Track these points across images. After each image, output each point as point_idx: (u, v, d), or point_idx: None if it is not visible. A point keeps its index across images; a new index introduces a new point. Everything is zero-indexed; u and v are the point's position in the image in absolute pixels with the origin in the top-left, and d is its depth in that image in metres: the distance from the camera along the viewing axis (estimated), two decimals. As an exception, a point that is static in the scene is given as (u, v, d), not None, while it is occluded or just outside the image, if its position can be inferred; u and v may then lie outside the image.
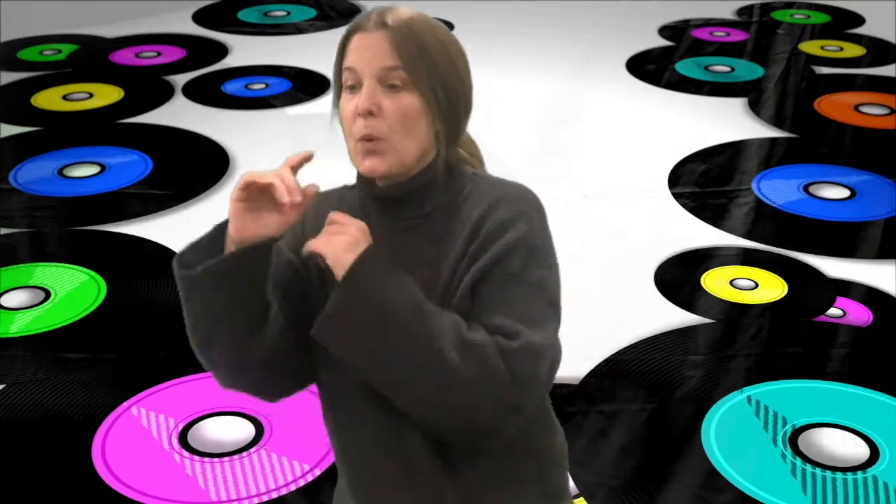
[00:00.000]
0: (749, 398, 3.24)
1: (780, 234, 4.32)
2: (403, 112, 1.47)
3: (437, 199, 1.52)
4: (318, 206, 1.52)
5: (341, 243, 1.43)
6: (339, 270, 1.42)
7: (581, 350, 3.48)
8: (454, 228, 1.50)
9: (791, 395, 3.28)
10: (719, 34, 6.93)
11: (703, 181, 4.78)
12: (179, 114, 5.59)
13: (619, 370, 3.40)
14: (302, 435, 3.09)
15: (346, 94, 1.50)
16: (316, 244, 1.45)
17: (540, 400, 1.53)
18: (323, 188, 1.53)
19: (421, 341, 1.39)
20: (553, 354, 1.45)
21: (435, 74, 1.49)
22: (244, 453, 3.03)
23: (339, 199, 1.58)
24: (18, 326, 3.65)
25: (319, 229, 1.48)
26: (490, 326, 1.42)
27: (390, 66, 1.47)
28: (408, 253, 1.50)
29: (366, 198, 1.56)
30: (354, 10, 7.20)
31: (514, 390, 1.40)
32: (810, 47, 6.66)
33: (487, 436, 1.45)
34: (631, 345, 3.52)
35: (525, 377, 1.40)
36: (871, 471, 2.97)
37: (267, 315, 1.49)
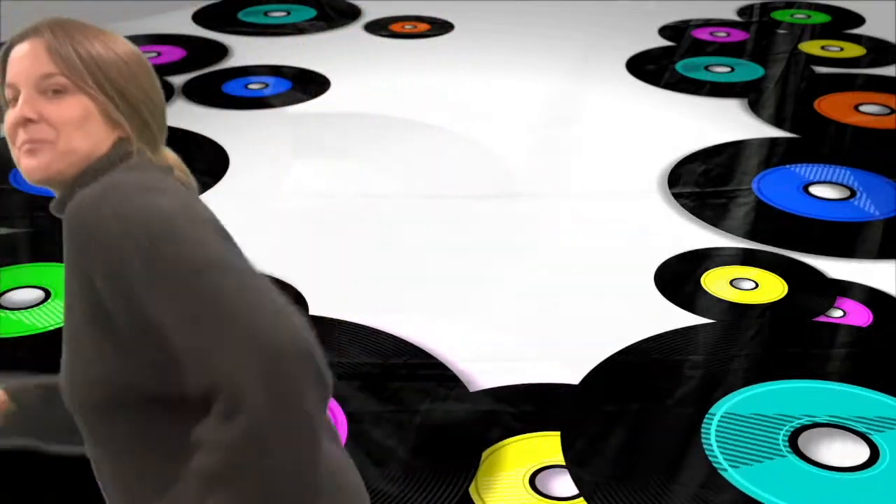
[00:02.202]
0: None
1: (780, 234, 4.32)
2: (68, 115, 1.37)
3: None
4: None
5: None
6: None
7: (581, 350, 3.48)
8: None
9: (791, 395, 3.28)
10: (719, 34, 6.93)
11: (703, 181, 4.78)
12: (179, 114, 5.59)
13: (619, 370, 3.40)
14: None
15: (8, 112, 1.40)
16: None
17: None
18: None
19: None
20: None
21: (105, 77, 1.40)
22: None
23: None
24: None
25: None
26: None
27: (47, 73, 1.38)
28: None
29: None
30: (355, 11, 7.19)
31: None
32: (810, 47, 6.66)
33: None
34: (631, 345, 3.52)
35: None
36: (870, 471, 2.97)
37: None
